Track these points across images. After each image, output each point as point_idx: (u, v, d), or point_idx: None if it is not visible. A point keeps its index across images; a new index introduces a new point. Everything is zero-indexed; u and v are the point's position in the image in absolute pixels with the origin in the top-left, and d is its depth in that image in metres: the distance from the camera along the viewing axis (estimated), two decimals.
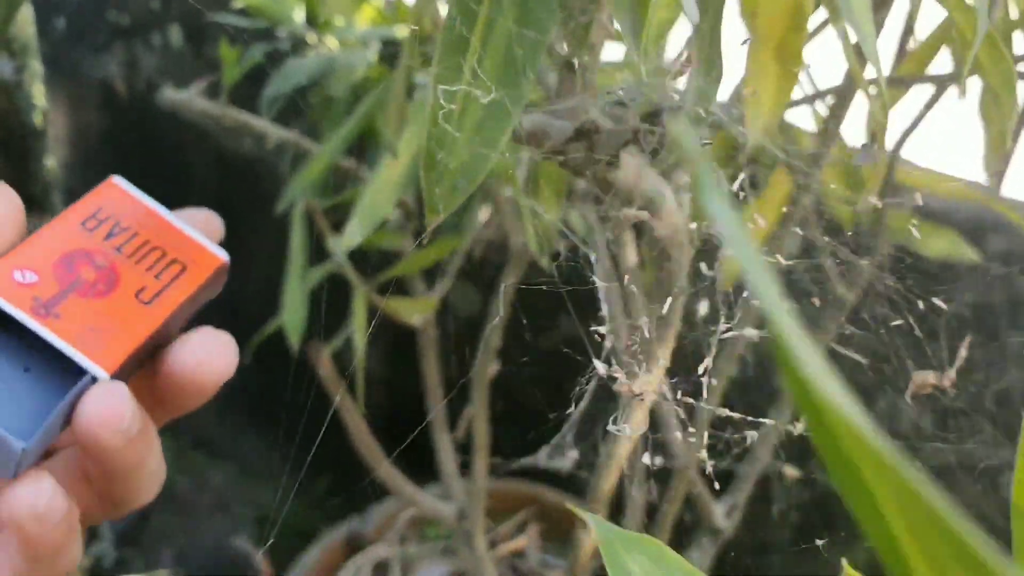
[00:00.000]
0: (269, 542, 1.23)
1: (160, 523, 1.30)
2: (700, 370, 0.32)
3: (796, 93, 0.55)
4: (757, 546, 0.96)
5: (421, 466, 0.94)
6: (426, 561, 0.90)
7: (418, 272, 0.78)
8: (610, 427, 0.29)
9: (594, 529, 0.25)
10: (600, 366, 0.31)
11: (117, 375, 0.28)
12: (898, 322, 0.80)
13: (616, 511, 0.77)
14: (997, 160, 0.59)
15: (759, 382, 0.93)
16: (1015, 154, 0.78)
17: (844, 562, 0.37)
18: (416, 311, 0.71)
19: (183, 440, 1.41)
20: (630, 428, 0.29)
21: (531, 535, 0.91)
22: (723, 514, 0.68)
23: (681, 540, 0.68)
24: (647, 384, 0.30)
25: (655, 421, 0.68)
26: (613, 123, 0.34)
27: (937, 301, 0.52)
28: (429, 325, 0.76)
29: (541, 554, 0.91)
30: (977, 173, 0.66)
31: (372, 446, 0.78)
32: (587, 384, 0.31)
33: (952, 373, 0.36)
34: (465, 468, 0.82)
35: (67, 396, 0.28)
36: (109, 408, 0.27)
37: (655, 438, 0.71)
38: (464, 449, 0.81)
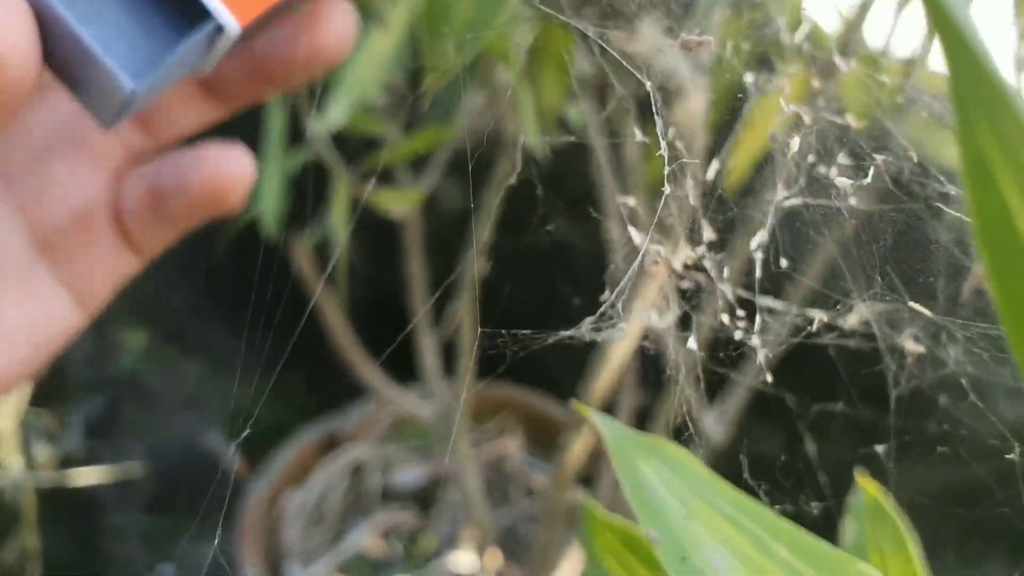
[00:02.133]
0: (243, 435, 1.22)
1: (130, 417, 1.27)
2: (753, 245, 0.28)
3: None
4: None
5: (403, 367, 0.92)
6: (405, 462, 0.89)
7: (405, 163, 0.74)
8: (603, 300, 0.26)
9: (604, 431, 0.22)
10: (636, 235, 0.27)
11: (246, 30, 0.24)
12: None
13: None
14: None
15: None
16: None
17: (858, 472, 0.35)
18: (401, 203, 0.67)
19: (154, 333, 1.37)
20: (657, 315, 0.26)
21: (515, 438, 0.89)
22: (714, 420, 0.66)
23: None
24: (671, 258, 0.26)
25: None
26: None
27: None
28: (414, 219, 0.73)
29: (525, 457, 0.89)
30: None
31: (352, 343, 0.75)
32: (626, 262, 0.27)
33: None
34: (448, 368, 0.79)
35: (188, 38, 0.24)
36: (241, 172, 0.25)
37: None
38: (448, 351, 0.79)
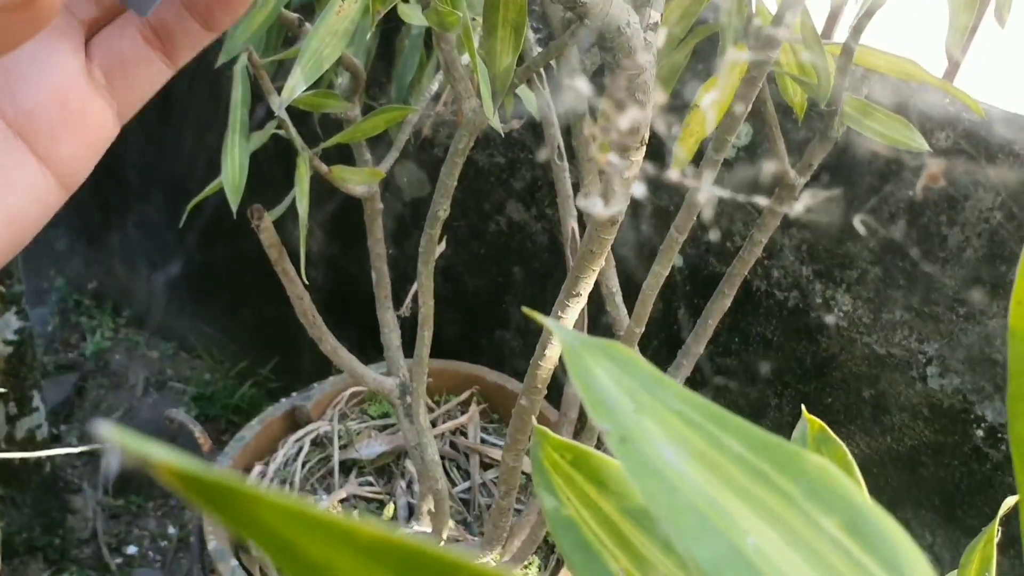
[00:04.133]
0: (209, 413, 1.23)
1: (96, 398, 1.28)
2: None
3: None
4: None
5: (365, 344, 0.94)
6: (366, 437, 0.91)
7: (365, 143, 0.76)
8: (579, 201, 0.28)
9: (557, 336, 0.23)
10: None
11: None
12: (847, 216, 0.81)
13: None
14: (959, 40, 0.58)
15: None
16: (972, 48, 0.78)
17: (803, 408, 0.36)
18: (362, 180, 0.70)
19: (120, 316, 1.38)
20: (603, 203, 0.28)
21: (472, 414, 0.92)
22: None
23: None
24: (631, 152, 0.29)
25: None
26: None
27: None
28: (375, 198, 0.75)
29: (481, 432, 0.91)
30: (933, 65, 0.66)
31: (316, 320, 0.77)
32: None
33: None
34: (409, 346, 0.81)
35: None
36: None
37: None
38: (408, 328, 0.81)
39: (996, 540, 0.32)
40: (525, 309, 0.27)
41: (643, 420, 0.20)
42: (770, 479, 0.19)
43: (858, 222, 0.81)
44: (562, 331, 0.23)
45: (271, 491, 0.11)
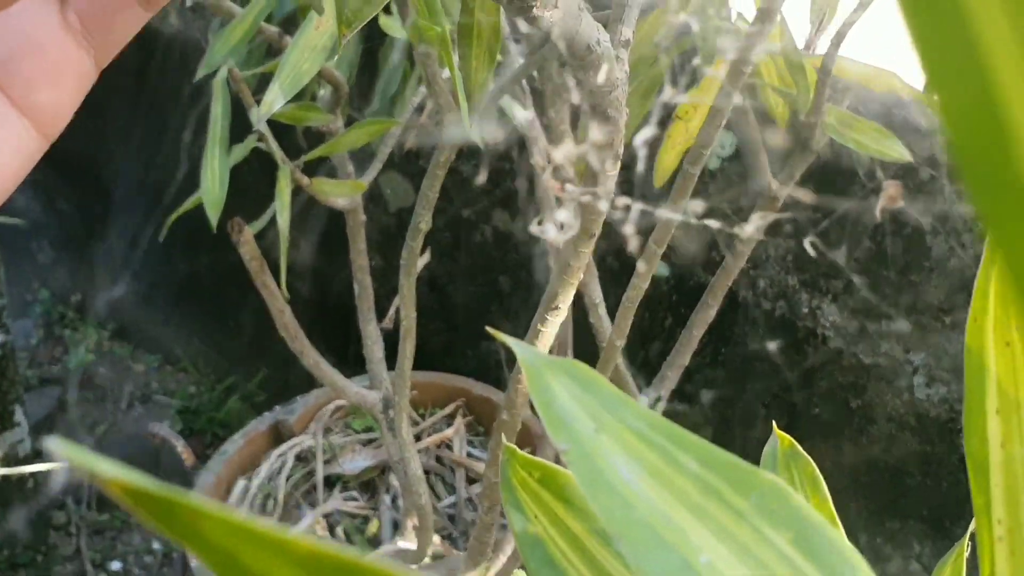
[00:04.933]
0: (192, 427, 1.22)
1: (80, 412, 1.27)
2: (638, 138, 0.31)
3: None
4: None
5: (347, 357, 0.93)
6: (350, 452, 0.90)
7: (348, 156, 0.76)
8: (532, 228, 0.28)
9: (517, 352, 0.23)
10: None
11: None
12: (824, 225, 0.81)
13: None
14: None
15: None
16: None
17: (774, 424, 0.37)
18: (343, 193, 0.69)
19: (105, 329, 1.37)
20: (554, 227, 0.28)
21: (457, 427, 0.91)
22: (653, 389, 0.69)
23: None
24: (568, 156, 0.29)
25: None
26: None
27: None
28: (357, 210, 0.74)
29: (467, 445, 0.91)
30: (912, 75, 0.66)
31: (297, 333, 0.77)
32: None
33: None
34: (392, 359, 0.81)
35: None
36: None
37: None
38: (392, 341, 0.81)
39: (966, 556, 0.32)
40: (489, 329, 0.26)
41: (601, 438, 0.20)
42: (723, 496, 0.19)
43: (808, 244, 0.82)
44: (523, 349, 0.23)
45: (213, 504, 0.12)
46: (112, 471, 0.12)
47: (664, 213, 0.46)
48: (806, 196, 0.84)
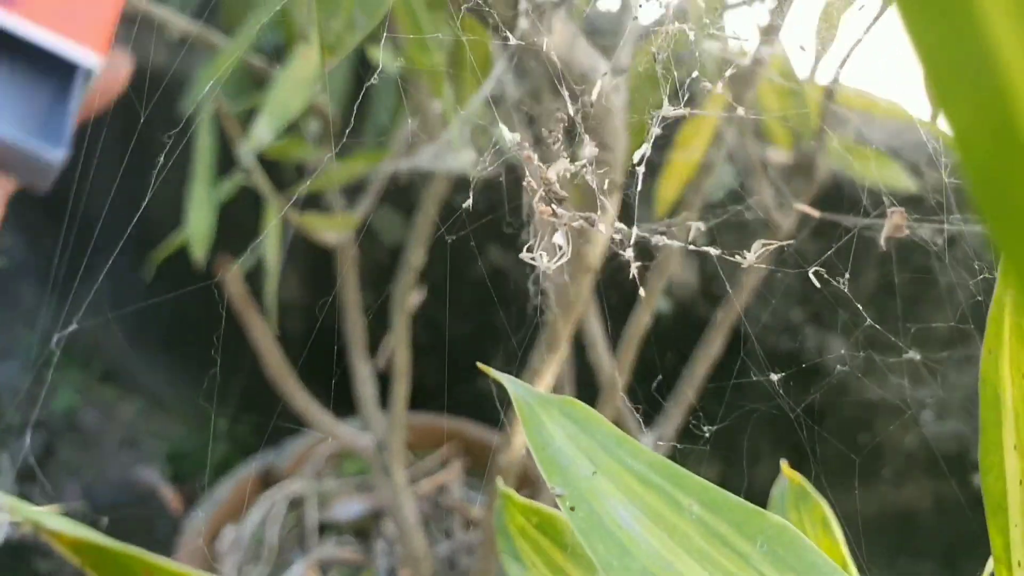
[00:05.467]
0: (180, 472, 1.19)
1: (66, 457, 1.24)
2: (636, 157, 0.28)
3: None
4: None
5: (339, 398, 0.91)
6: (343, 496, 0.87)
7: (338, 191, 0.74)
8: (523, 254, 0.26)
9: (510, 390, 0.22)
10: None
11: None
12: (829, 253, 0.79)
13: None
14: None
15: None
16: None
17: (783, 463, 0.35)
18: (333, 228, 0.67)
19: (91, 371, 1.34)
20: (547, 257, 0.26)
21: (453, 470, 0.88)
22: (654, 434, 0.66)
23: None
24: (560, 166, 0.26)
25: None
26: None
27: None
28: (348, 245, 0.72)
29: (464, 489, 0.88)
30: (916, 102, 0.65)
31: (286, 373, 0.74)
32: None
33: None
34: (385, 399, 0.78)
35: (73, 91, 0.25)
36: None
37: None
38: (384, 380, 0.78)
39: None
40: (480, 365, 0.25)
41: (599, 481, 0.19)
42: (728, 541, 0.18)
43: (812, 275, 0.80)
44: (516, 386, 0.22)
45: (158, 559, 0.12)
46: (58, 525, 0.11)
47: (665, 242, 0.44)
48: (811, 222, 0.82)
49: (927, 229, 0.78)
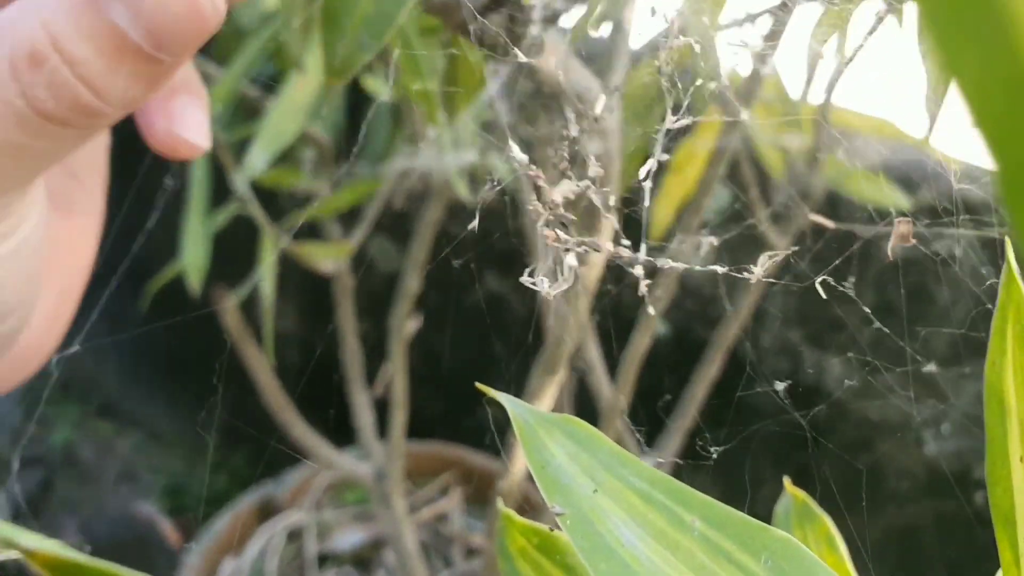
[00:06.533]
0: (178, 506, 1.18)
1: (64, 492, 1.23)
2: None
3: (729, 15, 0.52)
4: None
5: (338, 428, 0.90)
6: (343, 527, 0.86)
7: (334, 219, 0.74)
8: (523, 279, 0.26)
9: (509, 409, 0.22)
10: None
11: None
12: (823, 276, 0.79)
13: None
14: (938, 98, 0.57)
15: None
16: (948, 104, 0.77)
17: (786, 480, 0.35)
18: (329, 256, 0.67)
19: (88, 406, 1.34)
20: (548, 282, 0.26)
21: (453, 498, 0.88)
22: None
23: None
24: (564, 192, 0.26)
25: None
26: None
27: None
28: (345, 274, 0.72)
29: (464, 517, 0.87)
30: (910, 122, 0.65)
31: (284, 404, 0.74)
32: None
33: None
34: (384, 428, 0.78)
35: None
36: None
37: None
38: (383, 409, 0.78)
39: None
40: (478, 384, 0.24)
41: (600, 499, 0.19)
42: (732, 557, 0.18)
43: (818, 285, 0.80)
44: (515, 405, 0.22)
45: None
46: (36, 544, 0.13)
47: (664, 263, 0.44)
48: (808, 240, 0.82)
49: (926, 248, 0.79)
